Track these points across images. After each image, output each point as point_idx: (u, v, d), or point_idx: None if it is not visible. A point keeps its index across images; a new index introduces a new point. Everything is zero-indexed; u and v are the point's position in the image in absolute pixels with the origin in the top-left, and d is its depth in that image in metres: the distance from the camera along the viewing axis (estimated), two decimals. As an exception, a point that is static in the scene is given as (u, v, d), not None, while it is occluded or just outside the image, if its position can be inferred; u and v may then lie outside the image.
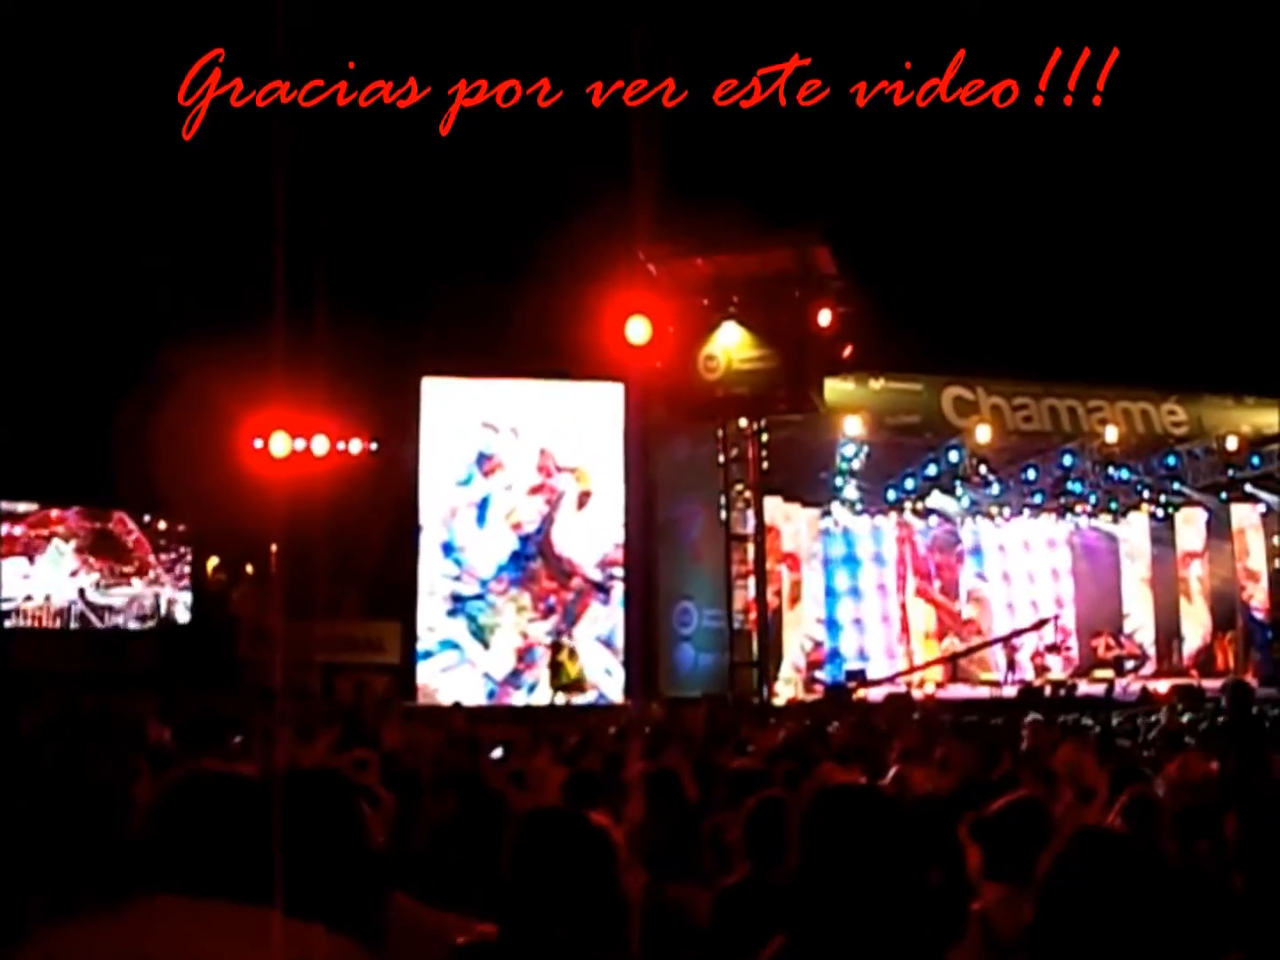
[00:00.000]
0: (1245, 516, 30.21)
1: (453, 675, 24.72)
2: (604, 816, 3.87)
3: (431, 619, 25.02)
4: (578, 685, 24.15)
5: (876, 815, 2.94)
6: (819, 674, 27.29)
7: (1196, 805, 6.56)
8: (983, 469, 27.57)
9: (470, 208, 24.63)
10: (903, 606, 29.47)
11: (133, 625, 26.39)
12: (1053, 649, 28.10)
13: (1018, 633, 28.68)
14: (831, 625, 28.66)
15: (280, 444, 23.19)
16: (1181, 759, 7.24)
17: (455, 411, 25.47)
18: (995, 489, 28.51)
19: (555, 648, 24.48)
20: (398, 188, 24.55)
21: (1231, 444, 27.87)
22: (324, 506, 21.42)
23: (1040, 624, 28.29)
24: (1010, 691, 25.20)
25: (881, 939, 2.80)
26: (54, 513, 25.86)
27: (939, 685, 27.19)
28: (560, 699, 23.69)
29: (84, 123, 22.80)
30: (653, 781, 5.72)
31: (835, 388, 24.60)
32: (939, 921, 3.18)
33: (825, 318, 22.11)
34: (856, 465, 26.93)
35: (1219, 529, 30.24)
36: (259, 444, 23.26)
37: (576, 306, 21.08)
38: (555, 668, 24.15)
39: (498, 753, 11.65)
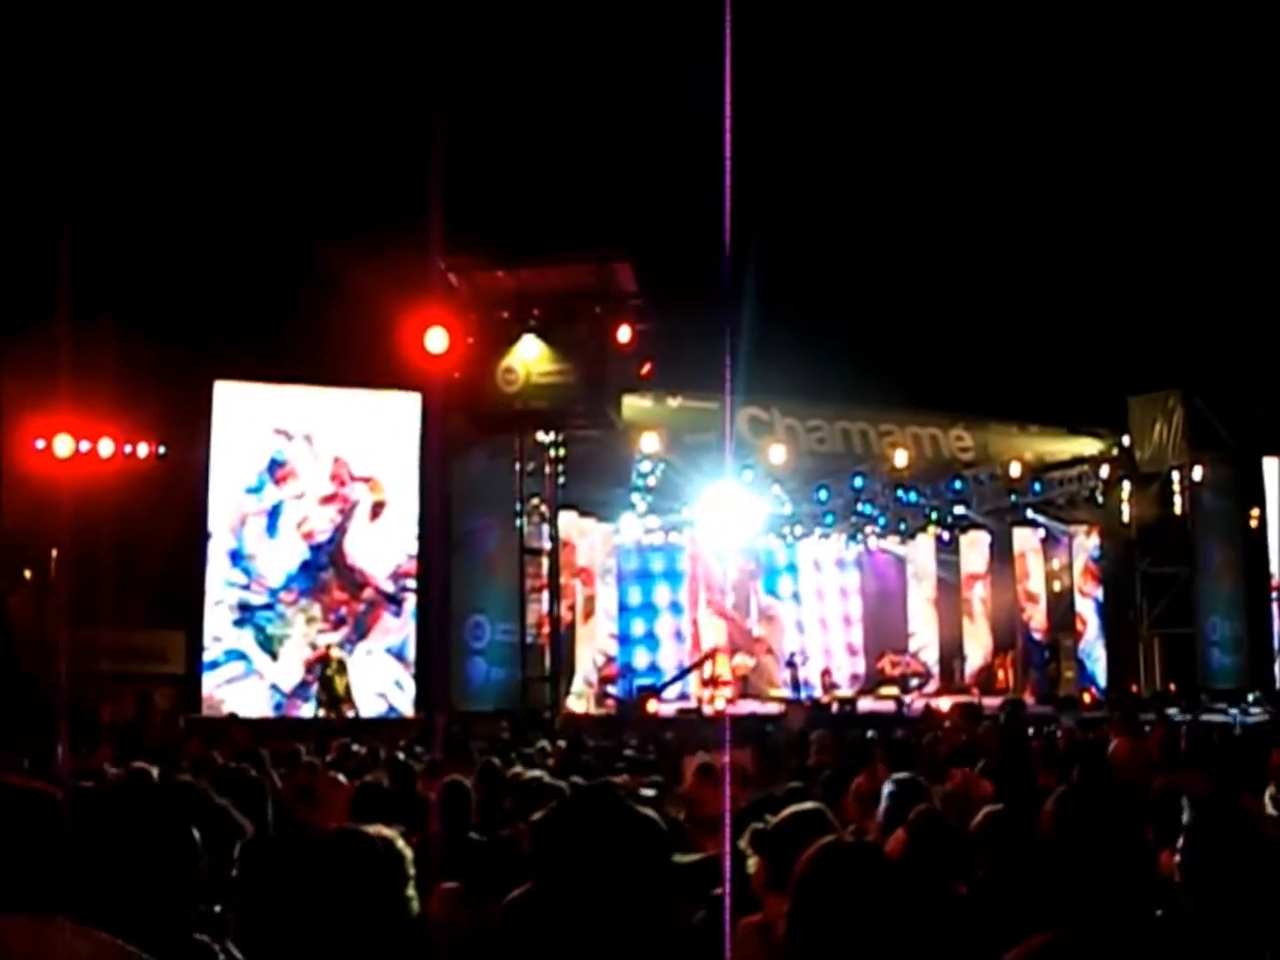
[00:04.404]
0: (1026, 540, 31.24)
1: (239, 687, 24.17)
2: (393, 831, 3.83)
3: (218, 628, 24.42)
4: (346, 700, 23.34)
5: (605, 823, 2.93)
6: (611, 689, 27.36)
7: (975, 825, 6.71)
8: (776, 489, 27.92)
9: (268, 211, 24.19)
10: (694, 623, 29.70)
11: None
12: (711, 682, 27.95)
13: (685, 671, 28.12)
14: (624, 640, 28.75)
15: (64, 446, 22.45)
16: (961, 776, 7.40)
17: (247, 417, 24.94)
18: (788, 508, 28.89)
19: (324, 662, 23.76)
20: (194, 187, 24.02)
21: (1015, 470, 28.76)
22: (109, 511, 20.83)
23: (704, 659, 28.18)
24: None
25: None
26: None
27: (729, 702, 27.39)
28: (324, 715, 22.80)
29: None
30: (445, 795, 5.68)
31: (633, 404, 24.74)
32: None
33: (625, 334, 22.23)
34: (652, 482, 27.08)
35: (1001, 552, 31.19)
36: (41, 445, 22.53)
37: (375, 314, 20.86)
38: (325, 683, 23.33)
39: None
